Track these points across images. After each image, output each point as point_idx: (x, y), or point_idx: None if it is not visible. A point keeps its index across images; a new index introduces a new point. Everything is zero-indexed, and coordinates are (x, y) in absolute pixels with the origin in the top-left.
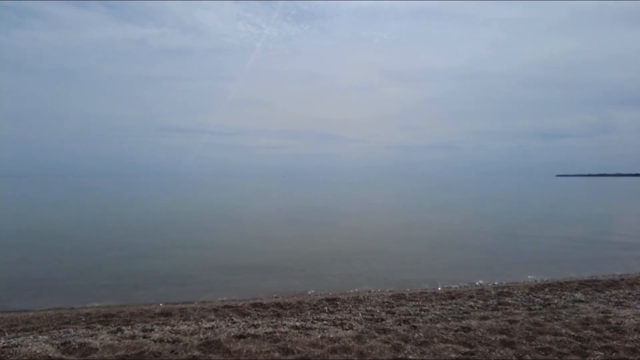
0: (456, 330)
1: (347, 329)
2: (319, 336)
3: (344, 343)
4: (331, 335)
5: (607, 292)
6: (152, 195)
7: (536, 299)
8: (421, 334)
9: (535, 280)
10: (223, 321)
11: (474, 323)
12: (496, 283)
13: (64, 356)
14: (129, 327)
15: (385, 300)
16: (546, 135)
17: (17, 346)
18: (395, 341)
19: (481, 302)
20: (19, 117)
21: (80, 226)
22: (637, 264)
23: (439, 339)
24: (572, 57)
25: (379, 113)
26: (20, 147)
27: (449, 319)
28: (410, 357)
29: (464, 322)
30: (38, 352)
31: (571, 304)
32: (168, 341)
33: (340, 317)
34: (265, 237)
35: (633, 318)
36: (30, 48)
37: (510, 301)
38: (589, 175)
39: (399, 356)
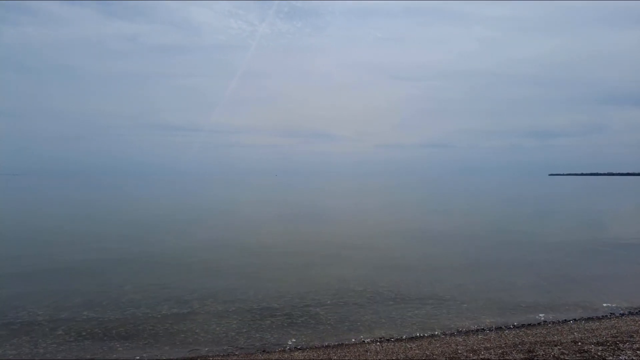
0: None
1: None
2: None
3: None
4: None
5: None
6: (119, 195)
7: None
8: None
9: None
10: None
11: None
12: (584, 319)
13: None
14: None
15: None
16: (539, 134)
17: None
18: None
19: None
20: (9, 115)
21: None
22: None
23: None
24: (561, 55)
25: (372, 111)
26: (13, 145)
27: None
28: None
29: None
30: None
31: None
32: None
33: None
34: (239, 243)
35: None
36: (19, 44)
37: None
38: (581, 174)
39: None
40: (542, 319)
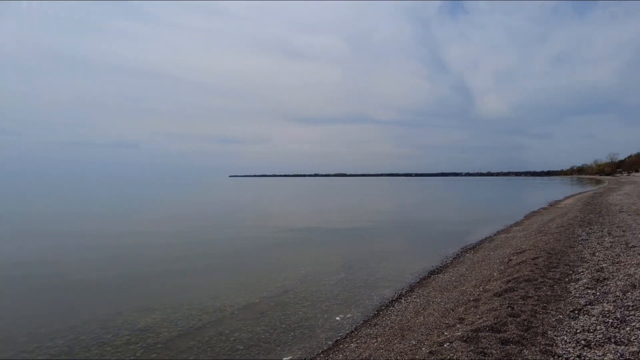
0: None
1: None
2: None
3: None
4: None
5: None
6: None
7: None
8: None
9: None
10: None
11: None
12: None
13: None
14: None
15: None
16: (224, 140)
17: None
18: None
19: None
20: None
21: None
22: None
23: None
24: (247, 70)
25: (49, 105)
26: None
27: None
28: None
29: None
30: None
31: None
32: None
33: None
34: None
35: None
36: None
37: None
38: (254, 175)
39: None
40: None
